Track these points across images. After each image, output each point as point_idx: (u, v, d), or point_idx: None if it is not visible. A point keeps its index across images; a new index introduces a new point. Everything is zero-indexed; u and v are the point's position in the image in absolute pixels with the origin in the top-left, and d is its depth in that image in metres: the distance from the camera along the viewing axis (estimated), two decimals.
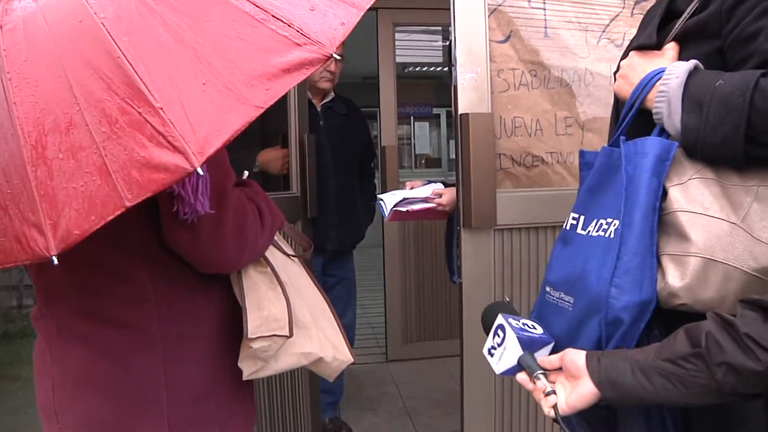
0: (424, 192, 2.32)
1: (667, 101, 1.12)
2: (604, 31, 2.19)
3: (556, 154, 2.19)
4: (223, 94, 0.87)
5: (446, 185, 2.32)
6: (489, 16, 2.07)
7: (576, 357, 1.06)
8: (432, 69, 8.28)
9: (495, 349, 1.16)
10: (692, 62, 1.13)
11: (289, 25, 0.92)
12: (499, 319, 1.16)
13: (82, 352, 1.20)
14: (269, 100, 0.89)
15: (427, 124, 9.24)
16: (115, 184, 0.86)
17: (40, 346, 1.28)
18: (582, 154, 1.29)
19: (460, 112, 2.05)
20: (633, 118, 1.20)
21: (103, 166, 0.87)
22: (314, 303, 1.44)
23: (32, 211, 0.90)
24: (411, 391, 3.89)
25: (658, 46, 1.24)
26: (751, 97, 1.00)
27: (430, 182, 2.36)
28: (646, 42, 1.25)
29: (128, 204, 0.86)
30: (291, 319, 1.30)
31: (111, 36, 0.90)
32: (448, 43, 2.51)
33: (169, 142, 0.85)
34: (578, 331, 1.13)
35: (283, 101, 2.63)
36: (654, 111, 1.15)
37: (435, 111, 9.04)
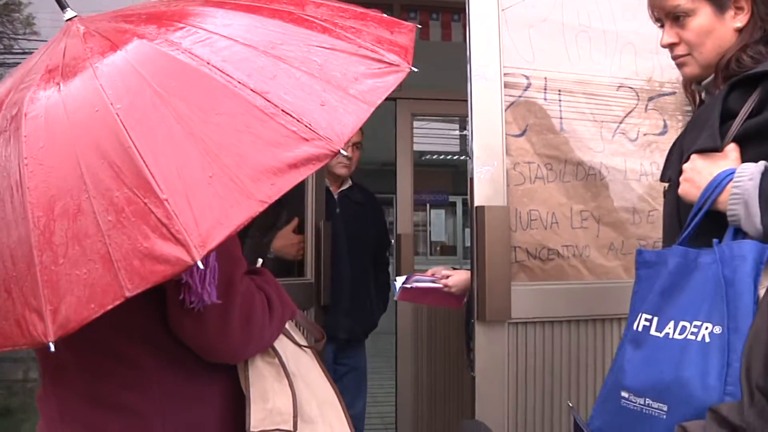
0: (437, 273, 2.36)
1: (744, 203, 1.14)
2: (618, 126, 2.21)
3: (571, 247, 2.18)
4: (228, 188, 0.88)
5: None
6: (506, 111, 2.10)
7: None
8: (449, 157, 8.40)
9: None
10: (762, 163, 1.16)
11: (298, 120, 0.93)
12: None
13: None
14: (274, 195, 0.89)
15: (443, 211, 9.30)
16: (117, 273, 0.86)
17: (40, 430, 1.25)
18: (640, 252, 1.31)
19: (475, 204, 2.04)
20: (702, 219, 1.22)
21: (106, 254, 0.87)
22: (324, 397, 1.40)
23: (34, 295, 0.90)
24: None
25: (716, 148, 1.26)
26: None
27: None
28: (709, 145, 1.27)
29: (128, 294, 0.85)
30: (296, 413, 1.26)
31: (124, 126, 0.92)
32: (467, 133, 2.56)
33: (171, 234, 0.85)
34: None
35: (300, 188, 2.66)
36: (729, 213, 1.17)
37: (451, 199, 9.09)
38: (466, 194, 2.20)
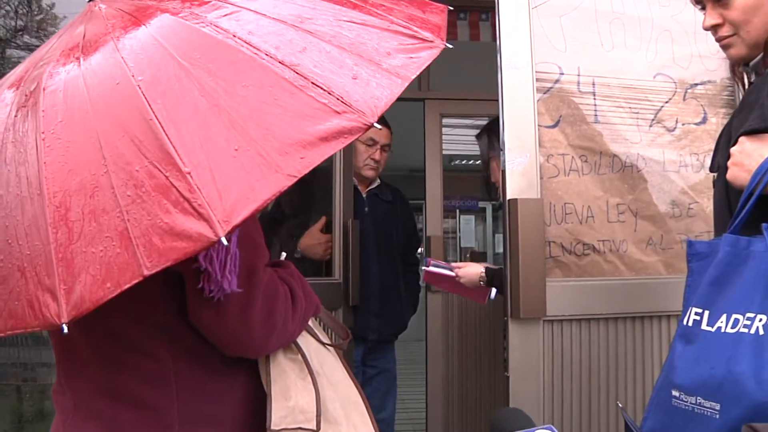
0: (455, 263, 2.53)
1: None
2: (655, 116, 2.13)
3: (608, 242, 2.09)
4: (254, 161, 0.82)
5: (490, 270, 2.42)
6: (537, 101, 2.03)
7: None
8: (478, 162, 8.25)
9: None
10: None
11: (329, 93, 0.87)
12: None
13: (94, 431, 1.12)
14: (303, 170, 0.83)
15: (472, 217, 9.16)
16: (135, 250, 0.80)
17: (56, 424, 1.22)
18: (690, 244, 1.23)
19: (508, 197, 1.97)
20: (754, 205, 1.15)
21: (124, 231, 0.82)
22: (348, 397, 1.34)
23: (48, 274, 0.85)
24: None
25: (766, 129, 1.19)
26: None
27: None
28: (759, 126, 1.20)
29: (146, 273, 0.79)
30: (319, 411, 1.20)
31: (146, 98, 0.87)
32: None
33: (194, 208, 0.79)
34: None
35: (328, 186, 2.62)
36: None
37: (481, 204, 8.96)
38: (497, 199, 2.15)
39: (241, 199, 0.80)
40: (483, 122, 6.22)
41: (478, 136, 2.74)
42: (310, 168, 0.83)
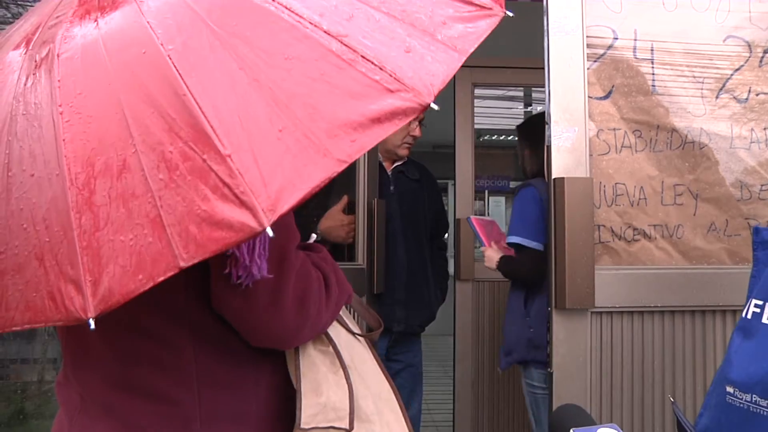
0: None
1: None
2: (724, 85, 2.09)
3: (660, 227, 2.08)
4: (301, 144, 0.81)
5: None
6: (588, 69, 2.01)
7: None
8: (510, 138, 8.18)
9: None
10: None
11: (380, 68, 0.86)
12: None
13: (105, 429, 1.13)
14: (354, 154, 0.83)
15: (503, 199, 9.04)
16: (170, 239, 0.80)
17: (59, 421, 1.22)
18: (757, 231, 1.24)
19: (554, 176, 1.96)
20: None
21: (157, 217, 0.82)
22: (380, 392, 1.35)
23: (71, 264, 0.85)
24: None
25: None
26: None
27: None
28: None
29: (183, 264, 0.80)
30: (353, 408, 1.21)
31: (177, 70, 0.86)
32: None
33: (235, 195, 0.79)
34: None
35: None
36: None
37: (512, 185, 8.84)
38: None
39: (287, 186, 0.79)
40: (517, 92, 6.15)
41: None
42: (362, 152, 0.83)
